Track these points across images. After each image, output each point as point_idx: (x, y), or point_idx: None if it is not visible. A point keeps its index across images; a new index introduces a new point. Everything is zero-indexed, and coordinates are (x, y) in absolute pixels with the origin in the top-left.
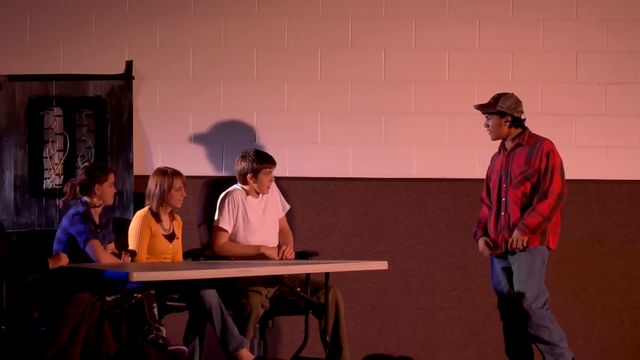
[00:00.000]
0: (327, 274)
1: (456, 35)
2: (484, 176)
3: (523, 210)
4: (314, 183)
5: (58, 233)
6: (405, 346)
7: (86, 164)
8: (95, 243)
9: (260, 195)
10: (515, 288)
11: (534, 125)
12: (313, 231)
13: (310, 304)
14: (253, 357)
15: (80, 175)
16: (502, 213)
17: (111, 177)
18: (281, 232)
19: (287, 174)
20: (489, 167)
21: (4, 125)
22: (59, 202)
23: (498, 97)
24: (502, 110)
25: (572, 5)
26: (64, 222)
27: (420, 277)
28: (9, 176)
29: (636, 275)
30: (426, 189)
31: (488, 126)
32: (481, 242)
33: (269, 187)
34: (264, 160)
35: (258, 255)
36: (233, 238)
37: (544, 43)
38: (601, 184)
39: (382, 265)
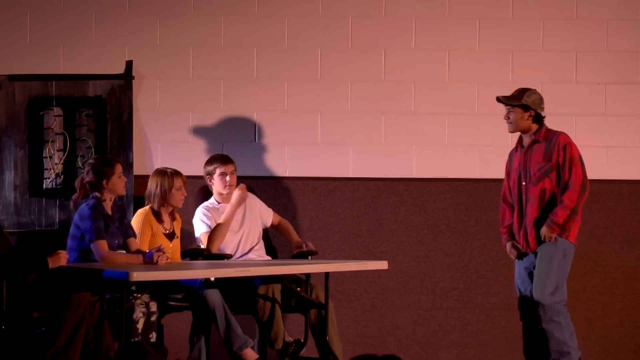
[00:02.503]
0: (327, 274)
1: (456, 35)
2: (484, 176)
3: (541, 207)
4: (314, 183)
5: (71, 229)
6: (405, 346)
7: (91, 160)
8: (101, 243)
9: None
10: (534, 280)
11: None
12: (313, 231)
13: (310, 303)
14: (257, 356)
15: (87, 173)
16: (523, 212)
17: (118, 168)
18: (280, 225)
19: (287, 174)
20: (507, 165)
21: (4, 125)
22: (70, 203)
23: (523, 91)
24: (527, 104)
25: (572, 5)
26: (76, 217)
27: (420, 277)
28: (9, 176)
29: (636, 275)
30: (426, 189)
31: (509, 118)
32: (509, 246)
33: (227, 186)
34: (213, 160)
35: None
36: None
37: (544, 43)
38: (601, 184)
39: (382, 265)
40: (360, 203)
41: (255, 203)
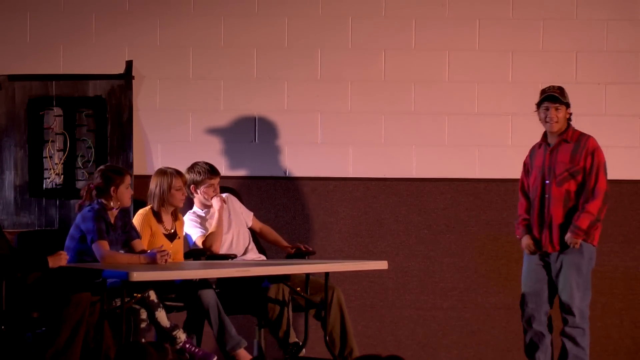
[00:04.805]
0: (327, 274)
1: (456, 35)
2: (483, 176)
3: (566, 208)
4: (314, 183)
5: (71, 229)
6: (405, 346)
7: (102, 167)
8: (102, 243)
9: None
10: (562, 286)
11: (534, 125)
12: (313, 231)
13: (310, 303)
14: (250, 357)
15: (96, 178)
16: (545, 210)
17: (127, 179)
18: (263, 232)
19: (287, 174)
20: (527, 161)
21: (4, 125)
22: (75, 206)
23: (562, 89)
24: (569, 103)
25: (572, 5)
26: (78, 218)
27: (420, 277)
28: (9, 176)
29: (636, 275)
30: (426, 189)
31: (556, 117)
32: (527, 240)
33: (213, 196)
34: (201, 171)
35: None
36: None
37: (544, 43)
38: None
39: (382, 265)
40: (359, 203)
41: (236, 204)
